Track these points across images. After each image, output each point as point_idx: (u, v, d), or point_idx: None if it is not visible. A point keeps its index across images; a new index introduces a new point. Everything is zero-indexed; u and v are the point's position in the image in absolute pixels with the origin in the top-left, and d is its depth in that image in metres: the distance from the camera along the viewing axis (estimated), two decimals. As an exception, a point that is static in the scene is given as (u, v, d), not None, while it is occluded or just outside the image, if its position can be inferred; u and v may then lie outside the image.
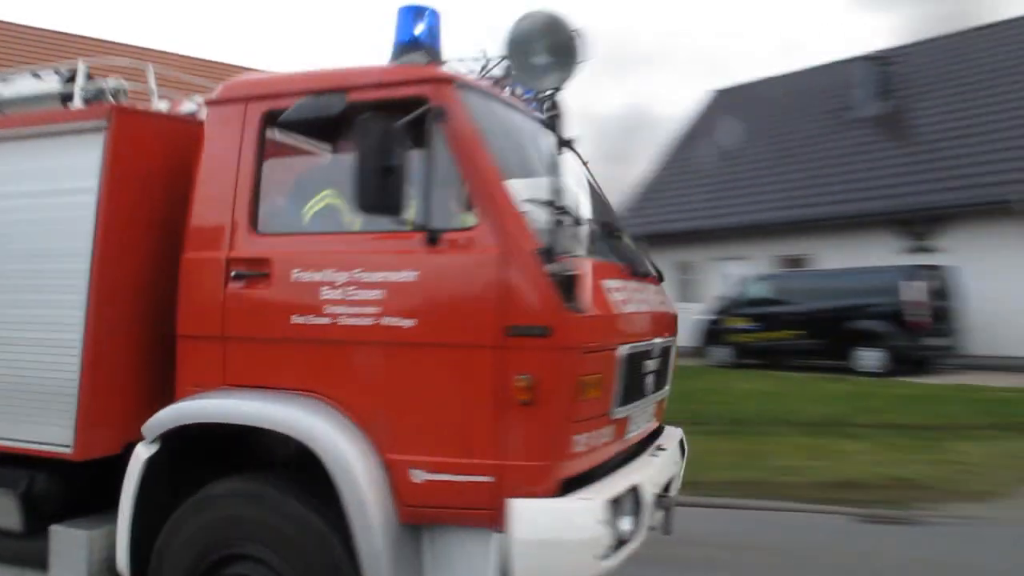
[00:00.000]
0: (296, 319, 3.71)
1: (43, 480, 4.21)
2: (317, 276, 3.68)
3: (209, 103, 4.14)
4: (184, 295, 3.98)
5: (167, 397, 4.03)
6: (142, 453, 3.83)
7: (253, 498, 3.68)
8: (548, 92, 3.52)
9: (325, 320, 3.66)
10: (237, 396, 3.82)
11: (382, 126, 3.37)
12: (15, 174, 4.35)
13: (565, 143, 3.41)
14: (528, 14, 3.36)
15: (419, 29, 3.96)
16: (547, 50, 3.34)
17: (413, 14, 3.98)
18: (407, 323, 3.53)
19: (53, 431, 4.07)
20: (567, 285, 3.37)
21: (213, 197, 3.97)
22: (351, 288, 3.61)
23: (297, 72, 4.15)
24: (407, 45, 3.95)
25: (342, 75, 3.88)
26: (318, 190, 4.03)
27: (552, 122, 3.42)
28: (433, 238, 3.49)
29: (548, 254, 3.39)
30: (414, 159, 3.60)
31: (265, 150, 3.94)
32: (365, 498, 3.45)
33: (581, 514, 3.38)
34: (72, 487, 4.24)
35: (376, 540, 3.44)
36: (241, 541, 3.66)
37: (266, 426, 3.66)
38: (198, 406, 3.84)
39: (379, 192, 3.38)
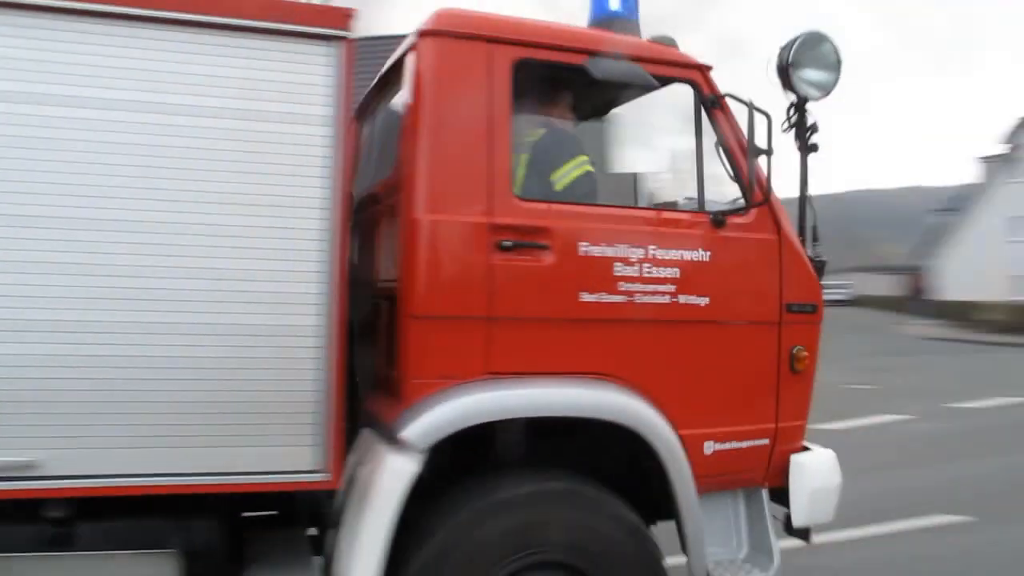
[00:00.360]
0: (586, 297, 3.46)
1: (203, 529, 3.09)
2: (611, 251, 3.50)
3: (427, 34, 3.42)
4: (419, 265, 3.30)
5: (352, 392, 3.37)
6: (405, 467, 3.13)
7: (566, 498, 3.39)
8: (809, 101, 3.90)
9: (620, 298, 3.51)
10: (530, 385, 3.42)
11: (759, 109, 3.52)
12: (218, 81, 3.04)
13: (811, 148, 3.89)
14: (808, 35, 3.76)
15: (616, 4, 3.94)
16: (819, 66, 3.78)
17: None
18: (702, 301, 3.67)
19: (293, 453, 3.02)
20: (820, 267, 3.98)
21: (454, 150, 3.38)
22: (647, 265, 3.56)
23: (558, 25, 3.76)
24: (607, 19, 3.93)
25: (626, 44, 3.66)
26: (570, 155, 3.70)
27: (801, 130, 3.88)
28: (720, 220, 3.69)
29: (802, 241, 3.95)
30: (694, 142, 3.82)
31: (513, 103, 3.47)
32: (690, 482, 3.53)
33: (834, 461, 4.00)
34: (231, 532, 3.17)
35: (699, 525, 3.59)
36: (547, 547, 3.31)
37: (591, 415, 3.42)
38: (498, 400, 3.30)
39: (756, 170, 3.63)
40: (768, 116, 3.51)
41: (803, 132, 3.88)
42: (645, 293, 3.54)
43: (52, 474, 2.79)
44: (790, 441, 3.92)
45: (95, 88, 2.87)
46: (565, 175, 3.67)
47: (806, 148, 3.90)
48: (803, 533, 4.02)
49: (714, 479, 3.72)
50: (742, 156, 3.73)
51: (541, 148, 3.77)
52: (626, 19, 3.95)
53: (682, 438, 3.56)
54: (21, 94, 2.80)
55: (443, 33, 3.41)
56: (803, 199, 3.95)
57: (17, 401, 2.76)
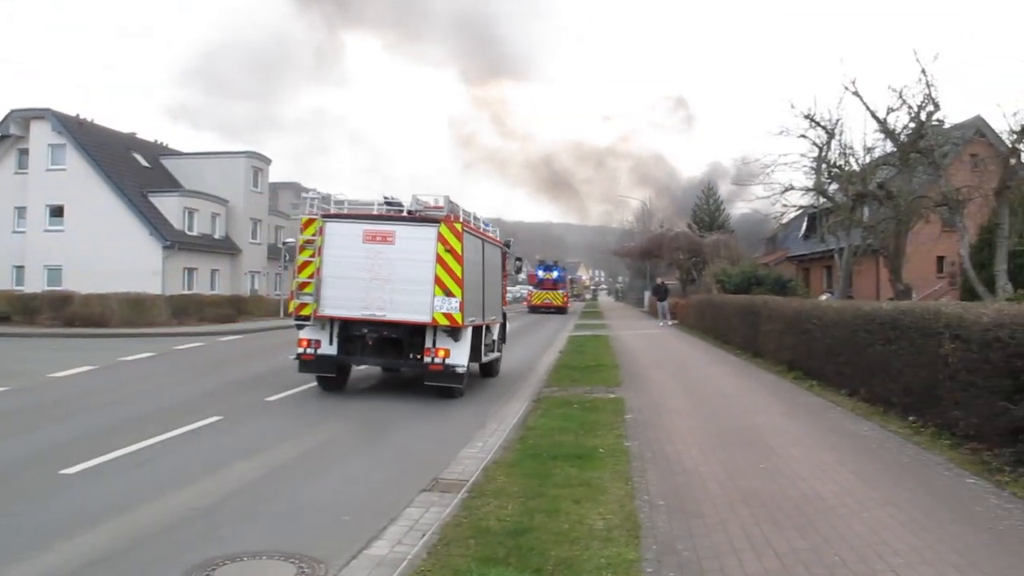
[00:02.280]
0: (507, 297, 22.85)
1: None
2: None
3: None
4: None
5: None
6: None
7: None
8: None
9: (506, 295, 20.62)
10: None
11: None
12: (479, 248, 15.54)
13: (518, 259, 24.24)
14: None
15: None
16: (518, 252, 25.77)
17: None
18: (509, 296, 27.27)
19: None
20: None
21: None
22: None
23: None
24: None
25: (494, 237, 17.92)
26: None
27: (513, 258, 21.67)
28: (511, 281, 31.36)
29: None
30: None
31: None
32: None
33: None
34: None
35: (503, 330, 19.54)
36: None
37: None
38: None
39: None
40: (516, 257, 23.53)
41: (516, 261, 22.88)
42: (505, 294, 20.11)
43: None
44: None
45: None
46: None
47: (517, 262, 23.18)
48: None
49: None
50: (504, 269, 19.40)
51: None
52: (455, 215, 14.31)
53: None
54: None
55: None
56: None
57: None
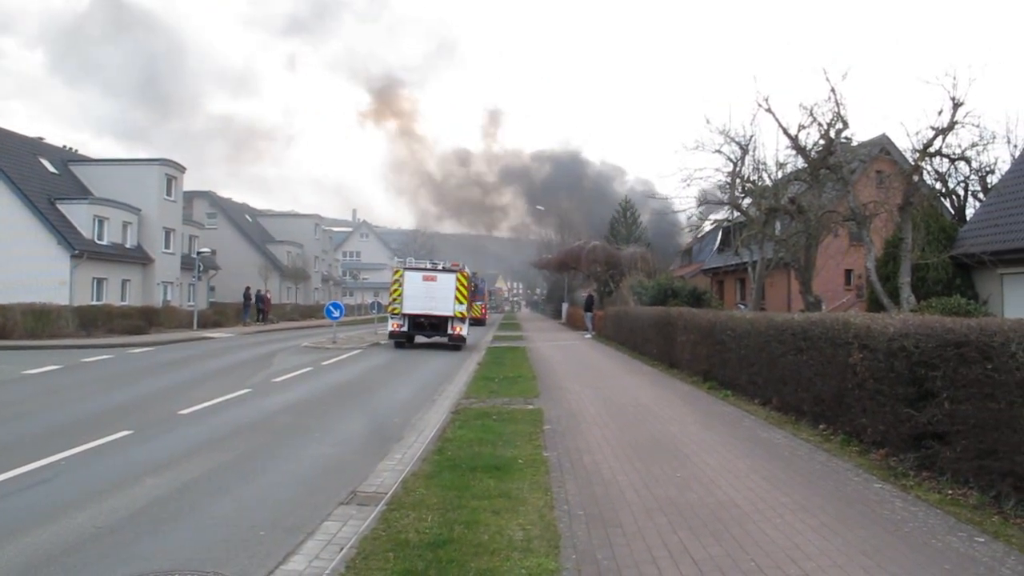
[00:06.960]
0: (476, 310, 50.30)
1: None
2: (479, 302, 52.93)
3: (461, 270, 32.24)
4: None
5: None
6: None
7: None
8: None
9: (474, 310, 43.33)
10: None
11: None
12: (470, 283, 32.95)
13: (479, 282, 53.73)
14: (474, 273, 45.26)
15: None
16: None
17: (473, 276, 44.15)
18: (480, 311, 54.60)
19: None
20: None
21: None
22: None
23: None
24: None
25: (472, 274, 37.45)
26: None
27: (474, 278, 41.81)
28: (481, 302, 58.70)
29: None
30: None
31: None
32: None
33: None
34: None
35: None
36: None
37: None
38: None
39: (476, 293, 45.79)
40: (477, 282, 50.05)
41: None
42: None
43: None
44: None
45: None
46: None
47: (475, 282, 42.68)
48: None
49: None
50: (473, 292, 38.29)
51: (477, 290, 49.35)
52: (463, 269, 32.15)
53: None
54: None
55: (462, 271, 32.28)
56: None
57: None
